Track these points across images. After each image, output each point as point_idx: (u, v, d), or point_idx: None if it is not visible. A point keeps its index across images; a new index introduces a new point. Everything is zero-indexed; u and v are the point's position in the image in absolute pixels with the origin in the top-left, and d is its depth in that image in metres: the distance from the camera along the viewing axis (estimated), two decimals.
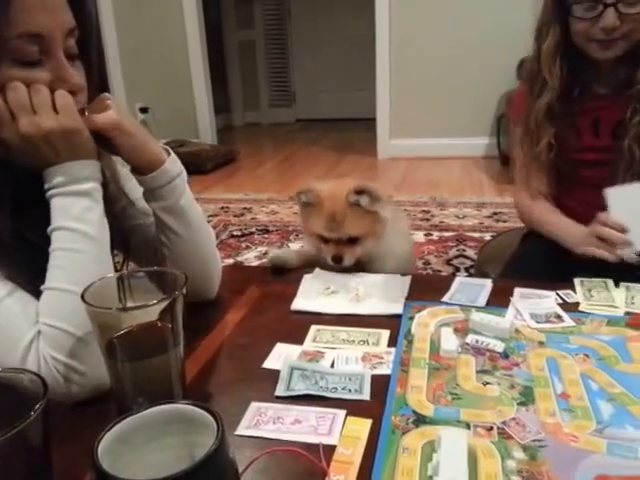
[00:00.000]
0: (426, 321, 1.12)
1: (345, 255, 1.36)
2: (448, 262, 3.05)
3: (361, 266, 1.39)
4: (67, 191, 0.91)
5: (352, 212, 1.34)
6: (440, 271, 2.93)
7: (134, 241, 1.19)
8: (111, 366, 0.78)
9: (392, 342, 1.06)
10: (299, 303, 1.22)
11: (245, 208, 4.21)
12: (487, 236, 3.29)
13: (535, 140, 1.62)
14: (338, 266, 1.37)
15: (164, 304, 0.75)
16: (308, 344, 1.06)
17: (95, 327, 0.76)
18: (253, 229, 3.73)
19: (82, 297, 0.75)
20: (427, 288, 1.29)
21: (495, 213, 3.80)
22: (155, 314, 0.75)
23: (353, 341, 1.07)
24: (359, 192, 1.34)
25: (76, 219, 0.91)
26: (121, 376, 0.78)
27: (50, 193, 0.92)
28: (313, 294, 1.26)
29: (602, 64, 1.54)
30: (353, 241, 1.35)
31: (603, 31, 1.44)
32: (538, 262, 1.62)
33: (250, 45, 8.45)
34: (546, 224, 1.67)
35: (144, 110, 5.83)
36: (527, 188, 1.73)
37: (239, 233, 3.63)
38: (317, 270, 1.37)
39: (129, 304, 0.81)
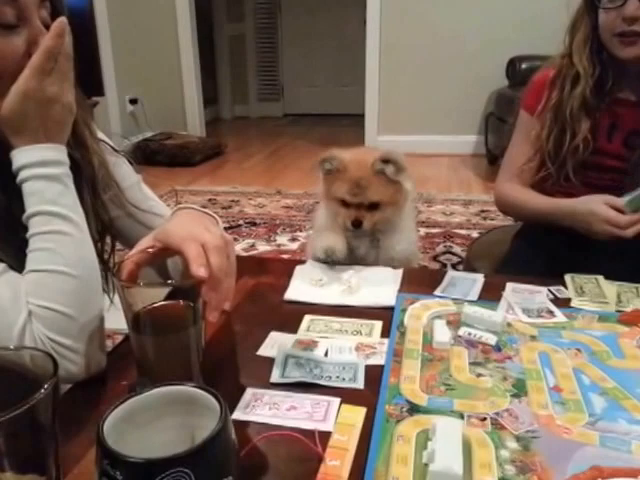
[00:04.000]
0: (419, 313, 1.12)
1: (364, 219, 1.38)
2: (435, 258, 3.07)
3: (375, 240, 1.42)
4: (38, 174, 0.89)
5: (376, 179, 1.36)
6: (427, 266, 2.94)
7: (123, 231, 1.18)
8: (137, 340, 0.79)
9: (385, 333, 1.06)
10: (292, 293, 1.22)
11: (232, 201, 4.21)
12: (474, 233, 3.31)
13: (570, 133, 1.58)
14: (356, 231, 1.39)
15: (187, 284, 0.78)
16: (302, 333, 1.07)
17: (123, 302, 0.77)
18: (240, 222, 3.73)
19: (112, 271, 0.77)
20: (419, 281, 1.29)
21: (482, 211, 3.82)
22: (163, 294, 0.77)
23: (346, 331, 1.07)
24: (385, 161, 1.36)
25: (52, 203, 0.89)
26: (146, 349, 0.79)
27: (21, 176, 0.89)
28: (305, 285, 1.26)
29: (628, 66, 1.53)
30: (373, 207, 1.37)
31: (624, 21, 1.44)
32: (533, 263, 1.61)
33: (240, 39, 8.42)
34: (550, 200, 1.63)
35: (134, 101, 5.81)
36: (519, 177, 1.70)
37: (227, 225, 3.63)
38: (309, 262, 1.37)
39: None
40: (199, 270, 0.76)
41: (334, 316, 1.13)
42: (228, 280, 0.83)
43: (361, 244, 1.42)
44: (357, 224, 1.37)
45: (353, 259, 1.39)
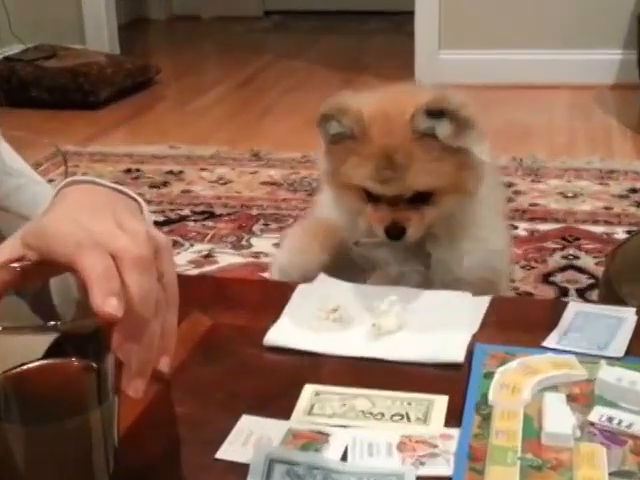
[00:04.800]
0: (516, 381, 1.12)
1: (409, 224, 1.36)
2: (547, 278, 3.06)
3: (422, 253, 1.41)
4: None
5: (422, 148, 1.35)
6: (531, 294, 2.94)
7: None
8: None
9: (453, 418, 1.06)
10: (278, 335, 1.23)
11: (171, 173, 4.22)
12: (619, 232, 3.30)
13: None
14: (394, 243, 1.38)
15: (86, 327, 0.77)
16: (300, 418, 1.07)
17: None
18: (186, 211, 3.74)
19: None
20: (516, 320, 1.30)
21: (635, 190, 3.82)
22: (43, 346, 0.76)
23: (382, 415, 1.07)
24: (435, 113, 1.33)
25: None
26: (9, 449, 0.79)
27: None
28: (308, 319, 1.26)
29: None
30: (420, 199, 1.36)
31: None
32: None
33: None
34: None
35: None
36: None
37: (160, 218, 3.64)
38: (322, 276, 1.36)
39: None
40: (107, 302, 0.75)
41: (359, 386, 1.13)
42: (162, 319, 0.83)
43: (392, 257, 1.40)
44: (396, 233, 1.34)
45: (376, 281, 1.38)
